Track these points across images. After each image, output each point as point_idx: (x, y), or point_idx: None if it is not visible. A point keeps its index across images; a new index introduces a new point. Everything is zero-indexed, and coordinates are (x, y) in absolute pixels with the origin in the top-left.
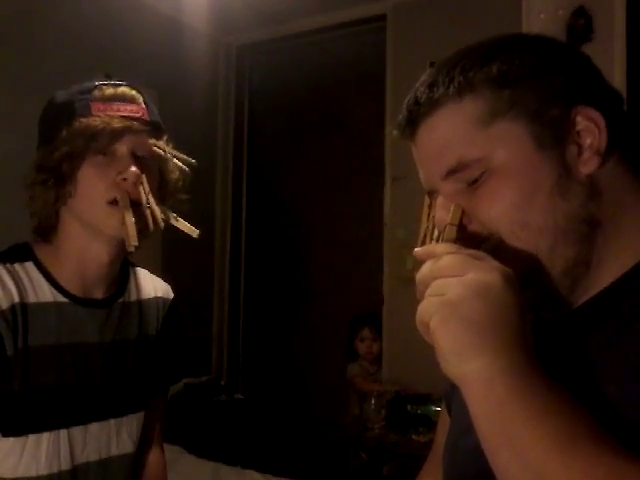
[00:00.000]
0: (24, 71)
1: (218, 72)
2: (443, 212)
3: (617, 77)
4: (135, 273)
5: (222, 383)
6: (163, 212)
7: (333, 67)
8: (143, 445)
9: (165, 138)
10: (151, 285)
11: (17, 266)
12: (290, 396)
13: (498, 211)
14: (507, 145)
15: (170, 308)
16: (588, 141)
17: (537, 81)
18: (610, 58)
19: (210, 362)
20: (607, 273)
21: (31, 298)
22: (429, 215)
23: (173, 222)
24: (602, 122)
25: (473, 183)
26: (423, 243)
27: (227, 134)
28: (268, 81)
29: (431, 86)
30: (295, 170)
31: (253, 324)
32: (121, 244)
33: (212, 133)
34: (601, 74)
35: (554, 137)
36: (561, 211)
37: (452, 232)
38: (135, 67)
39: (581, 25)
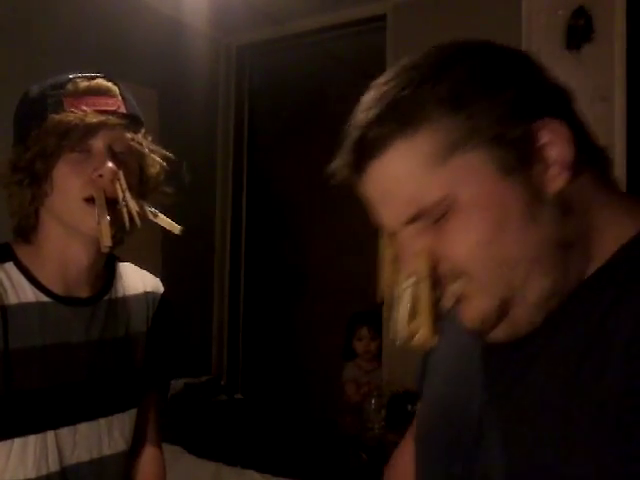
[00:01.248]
0: (24, 71)
1: (218, 72)
2: (410, 259)
3: (617, 77)
4: (122, 269)
5: (222, 383)
6: (141, 208)
7: (333, 67)
8: (138, 443)
9: (143, 131)
10: (139, 280)
11: None
12: (290, 396)
13: (468, 249)
14: (470, 179)
15: (161, 303)
16: (554, 155)
17: (491, 98)
18: (610, 58)
19: (210, 362)
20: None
21: (12, 299)
22: (392, 259)
23: (151, 218)
24: (566, 132)
25: (438, 221)
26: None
27: (227, 134)
28: (268, 81)
29: (378, 120)
30: (295, 170)
31: (253, 324)
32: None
33: (212, 133)
34: (547, 76)
35: (519, 159)
36: (535, 238)
37: (426, 288)
38: (135, 67)
39: (581, 25)
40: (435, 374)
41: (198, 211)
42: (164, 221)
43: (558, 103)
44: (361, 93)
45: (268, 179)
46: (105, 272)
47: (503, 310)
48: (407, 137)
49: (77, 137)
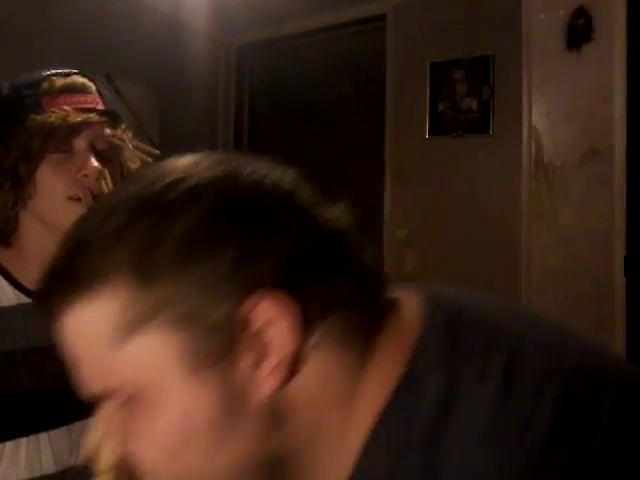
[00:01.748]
0: (24, 71)
1: (218, 72)
2: (99, 441)
3: (617, 77)
4: None
5: None
6: None
7: (333, 67)
8: None
9: (123, 127)
10: None
11: None
12: None
13: (146, 455)
14: (151, 369)
15: None
16: (270, 344)
17: (189, 272)
18: (610, 58)
19: None
20: None
21: None
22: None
23: None
24: (293, 316)
25: (123, 407)
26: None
27: (227, 134)
28: (268, 81)
29: (53, 280)
30: (295, 169)
31: None
32: None
33: (212, 133)
34: (308, 215)
35: (216, 351)
36: (228, 456)
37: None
38: (135, 67)
39: (581, 25)
40: None
41: None
42: None
43: (306, 263)
44: (361, 93)
45: None
46: None
47: None
48: (81, 303)
49: (61, 138)
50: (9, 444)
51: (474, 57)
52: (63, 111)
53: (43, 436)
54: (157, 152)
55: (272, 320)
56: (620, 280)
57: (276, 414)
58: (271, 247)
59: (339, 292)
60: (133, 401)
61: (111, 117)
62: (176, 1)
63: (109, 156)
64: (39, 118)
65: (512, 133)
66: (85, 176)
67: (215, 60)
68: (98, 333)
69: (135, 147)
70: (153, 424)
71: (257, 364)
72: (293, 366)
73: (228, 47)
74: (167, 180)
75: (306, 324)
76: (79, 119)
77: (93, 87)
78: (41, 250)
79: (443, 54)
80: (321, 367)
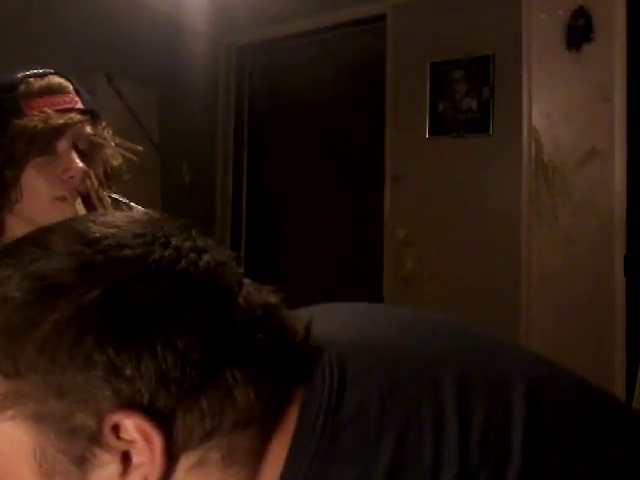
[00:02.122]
0: (24, 71)
1: (218, 72)
2: None
3: (617, 77)
4: None
5: None
6: (115, 203)
7: (333, 67)
8: None
9: (103, 124)
10: None
11: None
12: None
13: None
14: (6, 454)
15: None
16: (132, 464)
17: (54, 372)
18: (610, 58)
19: None
20: None
21: None
22: None
23: (126, 210)
24: (155, 438)
25: None
26: None
27: (227, 134)
28: (268, 81)
29: None
30: (295, 170)
31: None
32: None
33: (212, 133)
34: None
35: (74, 459)
36: None
37: None
38: (135, 67)
39: (581, 25)
40: None
41: (198, 211)
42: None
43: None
44: (360, 93)
45: (268, 179)
46: None
47: None
48: None
49: (44, 141)
50: None
51: (474, 57)
52: (44, 114)
53: None
54: (140, 149)
55: (134, 441)
56: (620, 280)
57: None
58: (146, 362)
59: (225, 415)
60: None
61: (90, 115)
62: (176, 1)
63: (91, 155)
64: (21, 122)
65: (512, 133)
66: (71, 177)
67: (215, 60)
68: None
69: (117, 145)
70: None
71: (120, 476)
72: None
73: (228, 47)
74: (54, 259)
75: (178, 448)
76: (61, 121)
77: (70, 87)
78: None
79: (443, 54)
80: None
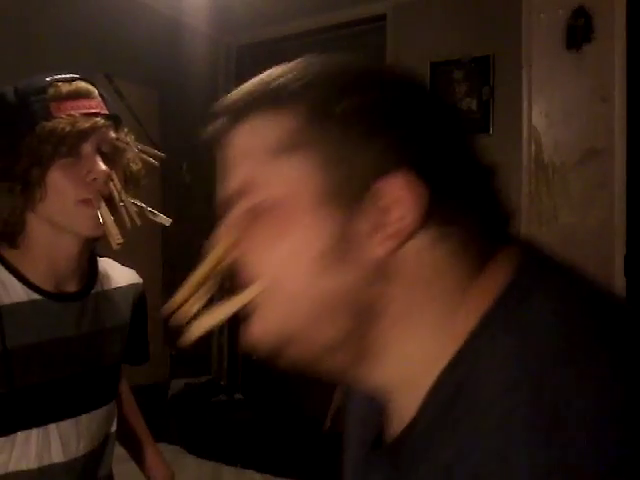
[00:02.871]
0: (24, 71)
1: (218, 72)
2: (216, 239)
3: (617, 77)
4: (103, 264)
5: (222, 383)
6: (136, 206)
7: None
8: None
9: (126, 130)
10: (119, 274)
11: None
12: (290, 396)
13: (253, 257)
14: (289, 185)
15: (142, 293)
16: (396, 216)
17: (354, 129)
18: (610, 58)
19: (210, 362)
20: (400, 372)
21: (5, 300)
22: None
23: (150, 216)
24: (422, 198)
25: (250, 212)
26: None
27: None
28: None
29: (249, 93)
30: None
31: None
32: (87, 237)
33: None
34: (466, 138)
35: (347, 199)
36: (324, 285)
37: (208, 264)
38: (135, 67)
39: (581, 25)
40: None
41: (198, 211)
42: (157, 216)
43: (444, 165)
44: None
45: None
46: (88, 268)
47: (284, 341)
48: (263, 116)
49: (72, 143)
50: (20, 434)
51: (474, 57)
52: (72, 117)
53: (52, 427)
54: (162, 155)
55: (401, 196)
56: (620, 280)
57: (378, 274)
58: (423, 137)
59: (473, 204)
60: (262, 213)
61: (114, 120)
62: (176, 1)
63: (114, 158)
64: (49, 124)
65: (512, 133)
66: (94, 179)
67: (215, 60)
68: (261, 144)
69: (140, 150)
70: (272, 238)
71: (375, 229)
72: (401, 242)
73: (228, 47)
74: (351, 66)
75: (431, 215)
76: (87, 124)
77: (96, 92)
78: (47, 251)
79: (443, 54)
80: (433, 255)
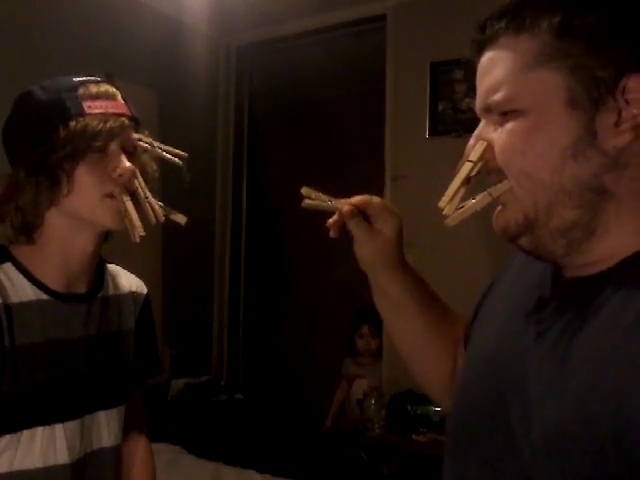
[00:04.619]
0: (24, 71)
1: (218, 72)
2: (472, 142)
3: None
4: (110, 269)
5: (222, 383)
6: (160, 205)
7: (333, 67)
8: (129, 437)
9: (147, 132)
10: (126, 280)
11: None
12: (290, 396)
13: (508, 155)
14: (540, 93)
15: (145, 302)
16: (633, 112)
17: (594, 40)
18: None
19: (210, 362)
20: (616, 246)
21: (13, 298)
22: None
23: (174, 217)
24: None
25: (505, 117)
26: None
27: (227, 134)
28: (268, 81)
29: (500, 15)
30: (295, 169)
31: (253, 324)
32: (103, 234)
33: (212, 133)
34: None
35: (590, 99)
36: (569, 173)
37: (466, 168)
38: (135, 67)
39: None
40: (486, 326)
41: (198, 211)
42: (174, 214)
43: None
44: (361, 93)
45: (268, 179)
46: (96, 271)
47: (527, 227)
48: (513, 37)
49: (103, 141)
50: (26, 432)
51: None
52: (103, 115)
53: (58, 427)
54: (185, 155)
55: (636, 98)
56: None
57: (616, 160)
58: None
59: None
60: (516, 119)
61: (136, 123)
62: (176, 1)
63: (137, 158)
64: (83, 121)
65: None
66: (120, 175)
67: (215, 60)
68: (514, 57)
69: (163, 150)
70: (520, 133)
71: (617, 124)
72: (637, 134)
73: (228, 47)
74: None
75: None
76: (116, 124)
77: (119, 95)
78: (61, 248)
79: (443, 54)
80: None
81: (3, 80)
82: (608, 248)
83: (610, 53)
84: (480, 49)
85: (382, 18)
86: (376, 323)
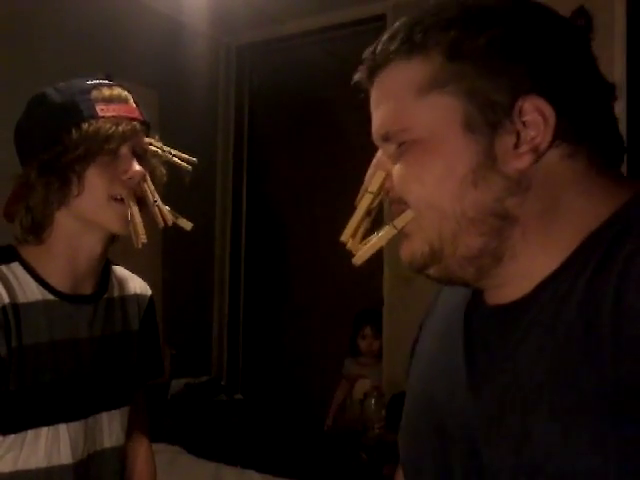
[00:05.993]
0: (24, 71)
1: (218, 72)
2: (370, 172)
3: (617, 77)
4: (116, 271)
5: (222, 383)
6: (167, 210)
7: (333, 67)
8: (132, 441)
9: (156, 137)
10: (130, 282)
11: (3, 268)
12: (290, 396)
13: (406, 184)
14: (435, 119)
15: (149, 305)
16: (531, 134)
17: (486, 62)
18: (610, 58)
19: (210, 362)
20: (527, 268)
21: (21, 298)
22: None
23: (179, 222)
24: (552, 118)
25: (400, 147)
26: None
27: (227, 134)
28: (268, 81)
29: (390, 39)
30: (295, 170)
31: (253, 324)
32: (112, 236)
33: (212, 133)
34: (592, 61)
35: (487, 123)
36: (471, 201)
37: (367, 200)
38: (135, 67)
39: (581, 25)
40: (418, 367)
41: (198, 211)
42: (180, 219)
43: (574, 89)
44: (361, 93)
45: (268, 179)
46: (102, 273)
47: (434, 257)
48: (405, 61)
49: (115, 143)
50: (30, 432)
51: None
52: (116, 118)
53: (62, 427)
54: (195, 160)
55: (536, 119)
56: None
57: (518, 183)
58: (558, 68)
59: (597, 126)
60: (411, 148)
61: (147, 127)
62: (176, 2)
63: (146, 162)
64: (95, 122)
65: None
66: (129, 178)
67: (215, 60)
68: (407, 84)
69: (174, 155)
70: (418, 162)
71: (516, 146)
72: (537, 156)
73: (228, 47)
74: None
75: (561, 134)
76: (128, 127)
77: (131, 99)
78: (69, 249)
79: None
80: (563, 163)
81: (4, 80)
82: (520, 271)
83: (503, 75)
84: (372, 74)
85: (382, 18)
86: (378, 324)
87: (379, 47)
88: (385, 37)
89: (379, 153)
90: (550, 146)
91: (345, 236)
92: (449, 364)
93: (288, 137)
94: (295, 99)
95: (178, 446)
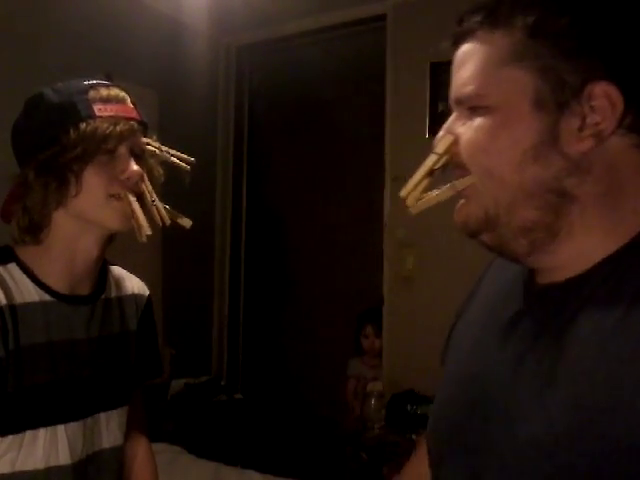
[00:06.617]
0: (24, 71)
1: (218, 72)
2: (440, 134)
3: None
4: (113, 271)
5: (222, 383)
6: (165, 209)
7: (333, 67)
8: (131, 441)
9: (154, 137)
10: (128, 282)
11: (0, 269)
12: (290, 396)
13: (471, 150)
14: (509, 91)
15: (147, 305)
16: (596, 119)
17: (564, 43)
18: None
19: (210, 362)
20: (583, 249)
21: (18, 299)
22: None
23: (179, 220)
24: (619, 106)
25: (473, 112)
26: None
27: (227, 134)
28: (268, 81)
29: (478, 10)
30: (295, 170)
31: (253, 324)
32: (109, 237)
33: (212, 133)
34: None
35: (556, 102)
36: (530, 175)
37: (431, 160)
38: (135, 67)
39: None
40: (458, 350)
41: (198, 211)
42: (179, 217)
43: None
44: (360, 93)
45: (268, 179)
46: (100, 273)
47: (488, 223)
48: (487, 31)
49: (113, 143)
50: (28, 433)
51: None
52: (113, 118)
53: (60, 428)
54: (193, 160)
55: (604, 105)
56: None
57: (578, 165)
58: (633, 60)
59: None
60: (483, 115)
61: (144, 127)
62: (176, 2)
63: (143, 161)
64: (94, 123)
65: None
66: (127, 178)
67: (215, 60)
68: (488, 54)
69: (171, 155)
70: (485, 131)
71: (580, 129)
72: (599, 141)
73: (228, 47)
74: None
75: (629, 123)
76: (126, 127)
77: (129, 99)
78: (67, 250)
79: (443, 54)
80: (627, 149)
81: (3, 80)
82: (575, 250)
83: (579, 57)
84: (457, 41)
85: (382, 18)
86: (380, 323)
87: (465, 18)
88: (473, 7)
89: (452, 117)
90: (613, 133)
91: (405, 191)
92: (493, 344)
93: (288, 137)
94: (295, 99)
95: (178, 446)
